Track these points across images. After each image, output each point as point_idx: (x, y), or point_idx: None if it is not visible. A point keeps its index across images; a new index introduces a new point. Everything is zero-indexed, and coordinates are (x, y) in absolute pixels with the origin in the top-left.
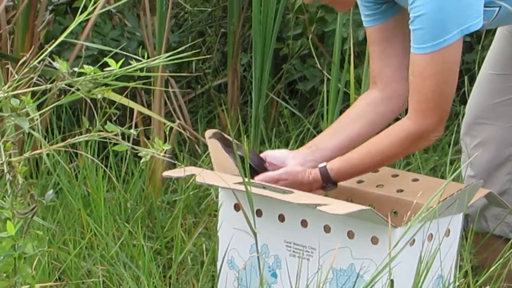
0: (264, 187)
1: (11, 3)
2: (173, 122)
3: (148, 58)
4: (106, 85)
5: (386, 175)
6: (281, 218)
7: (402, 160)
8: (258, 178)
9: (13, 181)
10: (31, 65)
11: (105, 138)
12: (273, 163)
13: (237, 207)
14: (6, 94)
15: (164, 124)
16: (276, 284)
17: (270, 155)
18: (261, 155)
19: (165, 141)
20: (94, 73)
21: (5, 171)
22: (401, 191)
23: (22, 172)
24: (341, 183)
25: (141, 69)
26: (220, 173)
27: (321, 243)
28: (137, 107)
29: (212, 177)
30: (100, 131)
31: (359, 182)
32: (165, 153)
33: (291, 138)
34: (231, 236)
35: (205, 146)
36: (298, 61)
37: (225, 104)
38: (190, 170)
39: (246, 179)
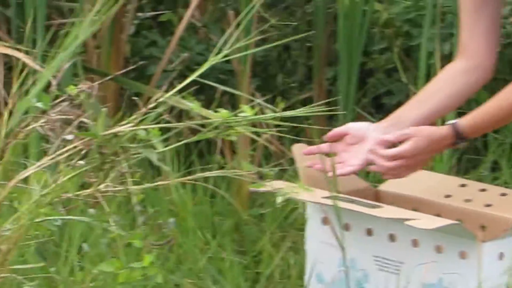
0: (352, 201)
1: (96, 17)
2: (259, 136)
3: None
4: None
5: (474, 189)
6: (369, 232)
7: (489, 174)
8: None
9: (143, 211)
10: (161, 101)
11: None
12: (354, 134)
13: (324, 221)
14: (136, 128)
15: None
16: None
17: (351, 126)
18: (342, 128)
19: (252, 156)
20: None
21: (134, 202)
22: (489, 205)
23: (139, 199)
24: (428, 198)
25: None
26: (307, 187)
27: (409, 257)
28: None
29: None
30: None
31: (447, 196)
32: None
33: None
34: (318, 250)
35: (292, 160)
36: (383, 75)
37: (311, 118)
38: (277, 184)
39: (335, 193)
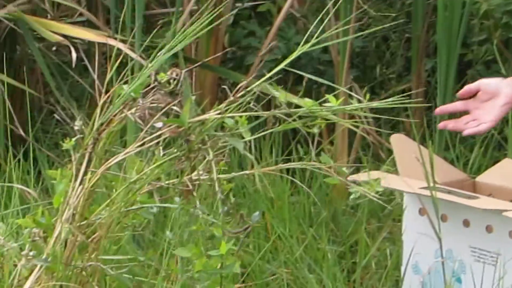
0: (449, 192)
1: (196, 7)
2: (357, 127)
3: (332, 63)
4: None
5: None
6: (466, 223)
7: None
8: None
9: (225, 200)
10: (249, 88)
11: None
12: (486, 90)
13: (421, 211)
14: (221, 115)
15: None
16: None
17: (484, 82)
18: (474, 84)
19: (349, 146)
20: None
21: (217, 189)
22: None
23: (228, 189)
24: None
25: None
26: (405, 178)
27: (506, 249)
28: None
29: (396, 181)
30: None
31: None
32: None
33: (475, 144)
34: (415, 241)
35: (389, 151)
36: (482, 67)
37: (409, 109)
38: (374, 174)
39: (432, 184)
